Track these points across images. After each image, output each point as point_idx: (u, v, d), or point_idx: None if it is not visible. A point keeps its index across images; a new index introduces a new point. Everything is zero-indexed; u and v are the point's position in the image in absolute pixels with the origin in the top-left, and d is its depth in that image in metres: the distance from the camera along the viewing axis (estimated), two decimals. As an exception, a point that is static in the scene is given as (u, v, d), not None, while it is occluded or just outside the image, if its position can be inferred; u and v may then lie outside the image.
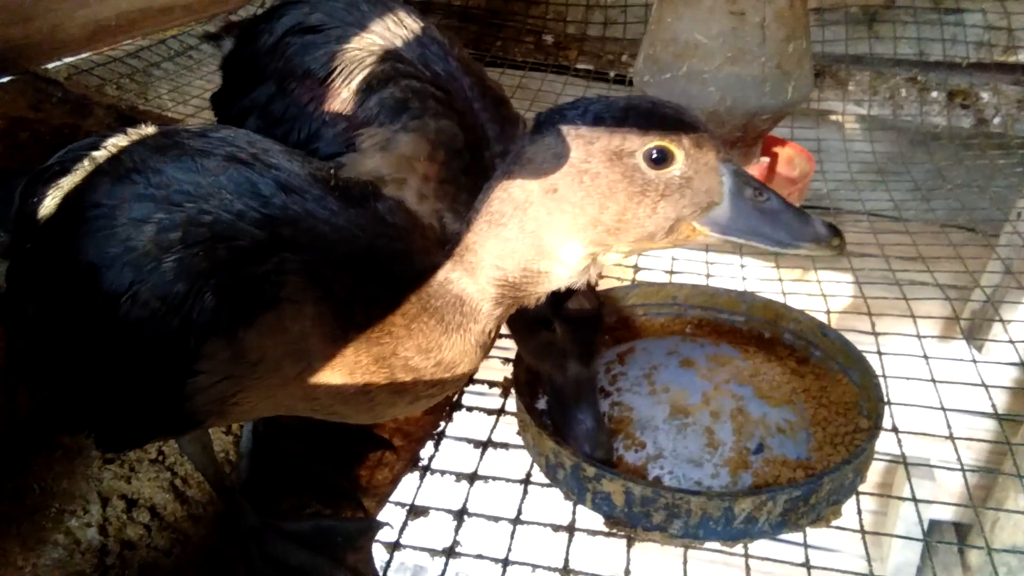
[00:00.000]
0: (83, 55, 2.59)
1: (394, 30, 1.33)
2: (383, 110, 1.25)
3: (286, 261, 0.81)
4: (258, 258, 0.80)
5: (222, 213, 0.82)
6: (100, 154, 0.90)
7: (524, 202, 0.80)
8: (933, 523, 2.36)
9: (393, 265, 0.87)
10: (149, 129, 0.95)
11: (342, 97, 1.26)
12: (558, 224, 0.80)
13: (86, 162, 0.89)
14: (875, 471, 1.29)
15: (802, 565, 1.07)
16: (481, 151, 1.31)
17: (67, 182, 0.89)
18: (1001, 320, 1.70)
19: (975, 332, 1.92)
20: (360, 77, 1.26)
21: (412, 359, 0.85)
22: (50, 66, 2.48)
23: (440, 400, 0.96)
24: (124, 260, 0.80)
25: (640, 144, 0.77)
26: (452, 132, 1.27)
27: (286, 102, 1.30)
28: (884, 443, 1.22)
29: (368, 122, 1.25)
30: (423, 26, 1.37)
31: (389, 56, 1.29)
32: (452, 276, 0.84)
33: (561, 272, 0.83)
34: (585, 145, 0.78)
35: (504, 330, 1.10)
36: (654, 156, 0.77)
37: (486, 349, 0.89)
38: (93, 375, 0.84)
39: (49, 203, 0.88)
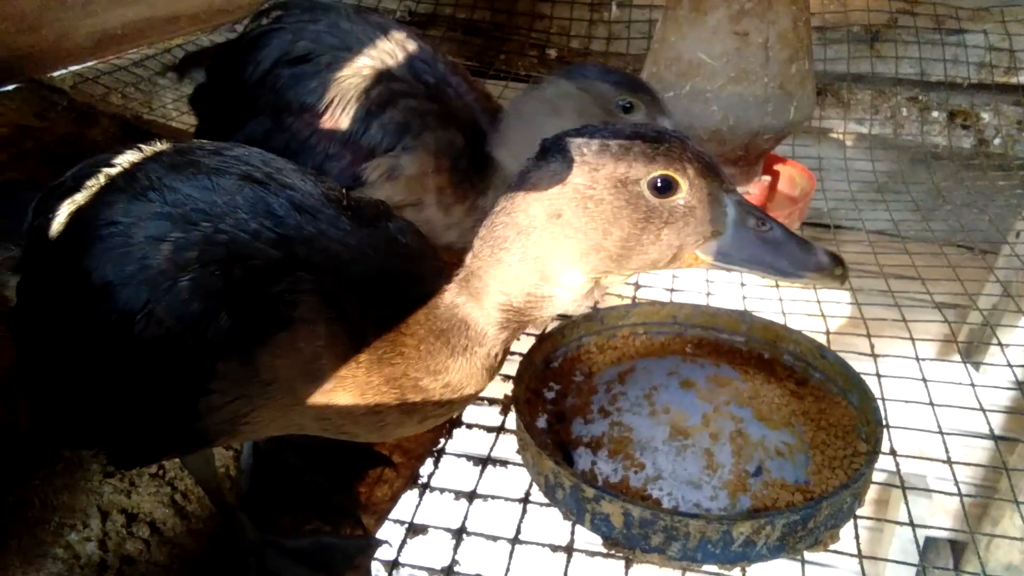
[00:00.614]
0: (89, 64, 2.60)
1: (381, 46, 1.34)
2: (386, 136, 1.26)
3: (300, 280, 0.82)
4: (273, 278, 0.81)
5: (238, 233, 0.83)
6: (114, 171, 0.90)
7: (527, 227, 0.81)
8: (929, 540, 2.37)
9: (404, 286, 0.88)
10: (163, 145, 0.95)
11: (343, 128, 1.27)
12: (561, 249, 0.81)
13: (101, 178, 0.90)
14: (872, 489, 1.30)
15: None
16: (480, 144, 1.35)
17: (81, 198, 0.89)
18: (1000, 344, 1.70)
19: (973, 352, 1.93)
20: (358, 105, 1.27)
21: (422, 380, 0.86)
22: (55, 75, 2.49)
23: (447, 419, 0.97)
24: (140, 278, 0.80)
25: (645, 172, 0.78)
26: (450, 137, 1.30)
27: (285, 137, 1.31)
28: (881, 462, 1.22)
29: (372, 150, 1.26)
30: (405, 35, 1.38)
31: (382, 77, 1.30)
32: (458, 301, 0.85)
33: (565, 296, 0.84)
34: (590, 172, 0.79)
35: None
36: (659, 185, 0.78)
37: (492, 372, 0.90)
38: (105, 392, 0.85)
39: (63, 219, 0.89)
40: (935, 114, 2.65)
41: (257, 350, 0.80)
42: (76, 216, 0.88)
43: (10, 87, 2.28)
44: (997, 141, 2.57)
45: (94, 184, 0.90)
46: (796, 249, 0.81)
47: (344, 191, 0.96)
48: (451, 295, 0.85)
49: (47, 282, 0.88)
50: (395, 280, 0.88)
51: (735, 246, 0.81)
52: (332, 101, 1.27)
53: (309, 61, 1.31)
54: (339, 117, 1.27)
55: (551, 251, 0.81)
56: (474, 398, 0.94)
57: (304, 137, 1.29)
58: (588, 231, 0.79)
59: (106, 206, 0.86)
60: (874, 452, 1.14)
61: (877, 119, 2.68)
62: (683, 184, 0.78)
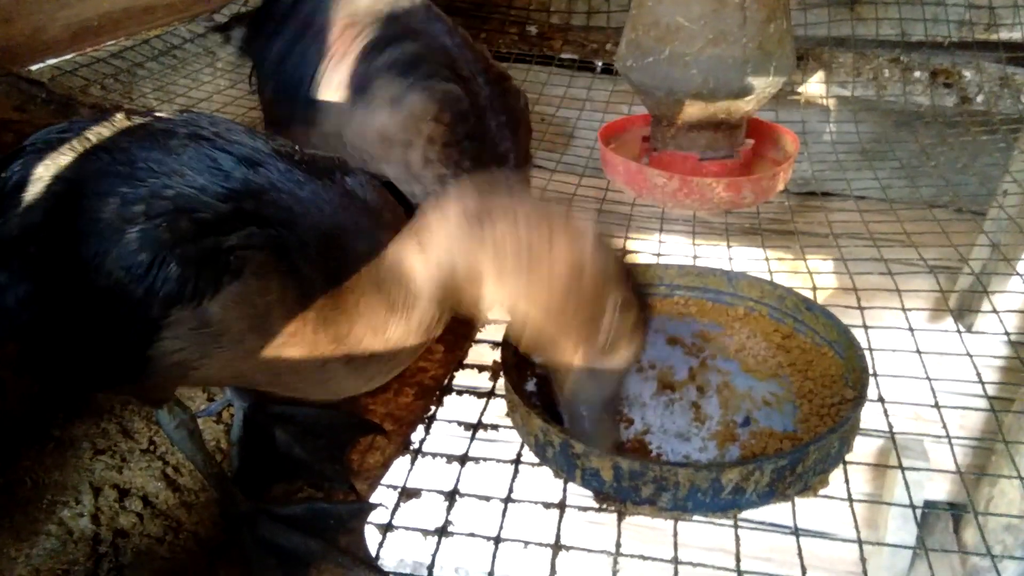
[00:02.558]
0: (67, 56, 2.59)
1: (403, 2, 1.36)
2: (395, 66, 1.28)
3: (253, 235, 0.84)
4: (222, 229, 0.83)
5: (184, 187, 0.85)
6: (71, 136, 0.93)
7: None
8: (928, 503, 2.38)
9: (357, 241, 0.89)
10: (120, 116, 0.98)
11: (355, 51, 1.31)
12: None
13: (58, 143, 0.93)
14: (866, 453, 1.30)
15: (791, 533, 1.08)
16: (485, 120, 1.34)
17: (37, 159, 0.92)
18: (991, 302, 1.71)
19: (964, 311, 1.94)
20: (372, 35, 1.30)
21: (364, 338, 0.88)
22: (34, 68, 2.47)
23: (393, 377, 1.00)
24: (88, 231, 0.83)
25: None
26: (458, 95, 1.30)
27: (300, 53, 1.36)
28: (874, 421, 1.23)
29: (378, 75, 1.28)
30: (428, 4, 1.40)
31: (399, 19, 1.32)
32: (404, 251, 0.86)
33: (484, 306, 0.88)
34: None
35: (493, 316, 1.11)
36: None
37: (430, 331, 0.92)
38: (58, 329, 0.88)
39: (21, 179, 0.91)
40: (917, 74, 2.64)
41: (208, 301, 0.82)
42: (31, 174, 0.91)
43: (-12, 81, 2.26)
44: (980, 99, 2.57)
45: (50, 148, 0.93)
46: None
47: (295, 147, 0.98)
48: (398, 244, 0.87)
49: (5, 237, 0.91)
50: (347, 235, 0.89)
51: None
52: (348, 25, 1.31)
53: None
54: (353, 41, 1.32)
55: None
56: (417, 354, 0.96)
57: (317, 56, 1.33)
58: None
59: (60, 166, 0.90)
60: (860, 398, 1.14)
61: (860, 82, 2.67)
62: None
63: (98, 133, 0.93)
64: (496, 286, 0.85)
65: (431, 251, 0.84)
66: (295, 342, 0.85)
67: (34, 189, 0.89)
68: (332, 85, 1.31)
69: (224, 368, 0.88)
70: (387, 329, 0.88)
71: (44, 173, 0.90)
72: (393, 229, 0.92)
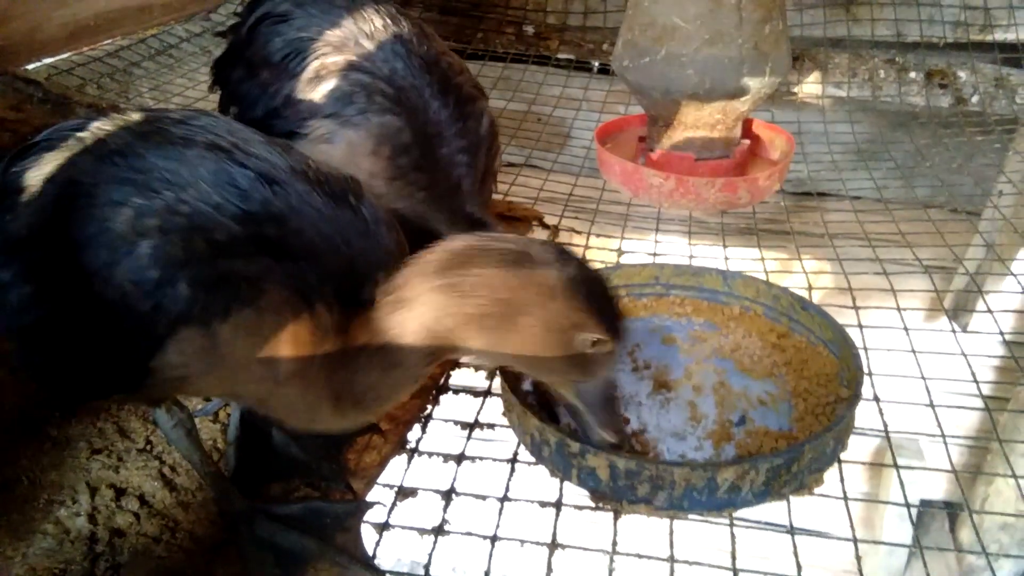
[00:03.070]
0: (63, 55, 2.59)
1: (359, 25, 1.37)
2: (329, 101, 1.28)
3: (271, 270, 0.83)
4: (236, 253, 0.83)
5: (200, 204, 0.84)
6: (85, 135, 0.91)
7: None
8: (924, 502, 2.38)
9: (369, 281, 0.90)
10: (134, 114, 0.96)
11: (294, 84, 1.31)
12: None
13: (71, 141, 0.91)
14: (862, 453, 1.30)
15: (787, 532, 1.09)
16: (434, 149, 1.33)
17: (51, 158, 0.90)
18: (985, 301, 1.71)
19: (959, 311, 1.94)
20: (313, 66, 1.30)
21: (358, 389, 0.90)
22: (30, 67, 2.47)
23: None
24: (99, 240, 0.82)
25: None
26: (396, 127, 1.29)
27: (251, 84, 1.37)
28: (869, 421, 1.23)
29: (316, 112, 1.29)
30: (391, 22, 1.39)
31: (345, 49, 1.32)
32: (392, 309, 0.86)
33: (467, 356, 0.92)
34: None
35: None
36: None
37: (417, 381, 0.95)
38: (59, 334, 0.87)
39: (31, 176, 0.89)
40: (912, 75, 2.65)
41: (219, 324, 0.81)
42: (45, 174, 0.89)
43: (-16, 81, 2.26)
44: (975, 99, 2.58)
45: (64, 146, 0.91)
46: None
47: (310, 163, 0.96)
48: (386, 302, 0.87)
49: (11, 235, 0.89)
50: (363, 275, 0.90)
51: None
52: (289, 56, 1.31)
53: (285, 21, 1.36)
54: (293, 73, 1.32)
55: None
56: (400, 401, 1.03)
57: (265, 86, 1.34)
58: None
59: (72, 166, 0.87)
60: (855, 396, 1.15)
61: (855, 82, 2.68)
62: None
63: (113, 134, 0.91)
64: (475, 343, 0.87)
65: (413, 310, 0.85)
66: (295, 379, 0.86)
67: (45, 189, 0.87)
68: (279, 117, 1.32)
69: (218, 385, 0.88)
70: (381, 383, 0.90)
71: (56, 174, 0.88)
72: (399, 262, 0.93)
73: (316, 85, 1.29)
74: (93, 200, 0.84)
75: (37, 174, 0.89)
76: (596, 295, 0.88)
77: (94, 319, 0.83)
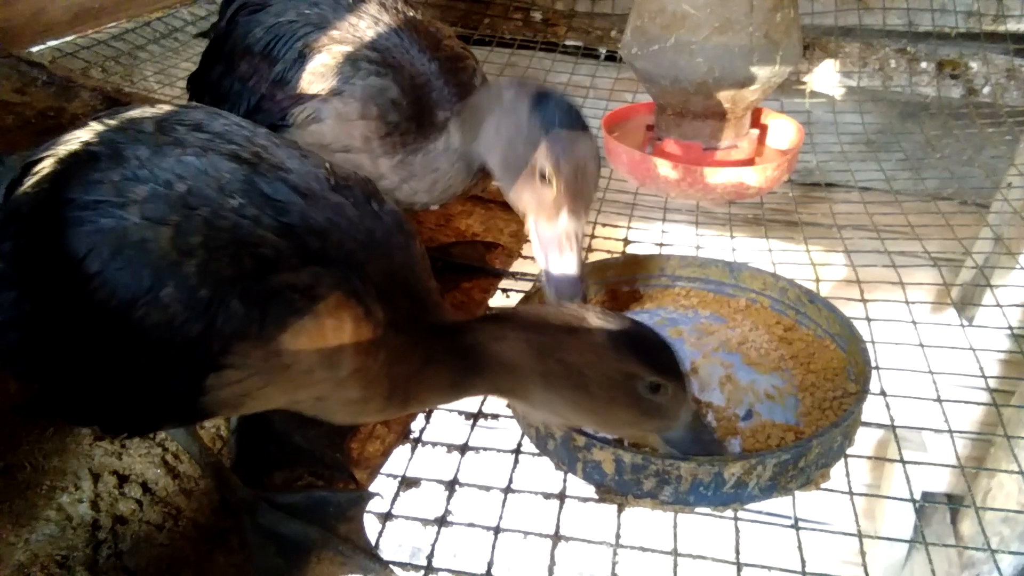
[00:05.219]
0: (67, 38, 2.57)
1: (337, 0, 1.34)
2: (314, 80, 1.27)
3: (321, 276, 0.83)
4: (284, 267, 0.82)
5: (239, 219, 0.82)
6: (97, 148, 0.88)
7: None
8: (926, 495, 2.37)
9: (410, 287, 0.93)
10: (143, 112, 0.93)
11: (276, 70, 1.30)
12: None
13: (83, 156, 0.87)
14: (865, 445, 1.29)
15: (791, 526, 1.08)
16: (425, 96, 1.32)
17: (65, 176, 0.86)
18: (994, 294, 1.70)
19: (966, 306, 1.93)
20: (293, 48, 1.29)
21: (420, 398, 0.94)
22: (34, 49, 2.45)
23: None
24: (140, 262, 0.79)
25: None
26: (381, 86, 1.28)
27: (232, 78, 1.35)
28: (875, 414, 1.23)
29: (301, 93, 1.28)
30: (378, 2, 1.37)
31: (323, 25, 1.31)
32: (485, 344, 0.92)
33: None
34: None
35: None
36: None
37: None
38: (101, 370, 0.83)
39: (45, 198, 0.85)
40: (924, 65, 2.62)
41: (278, 335, 0.80)
42: (60, 195, 0.84)
43: (-12, 63, 2.25)
44: (986, 90, 2.56)
45: (76, 161, 0.87)
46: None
47: (327, 165, 0.95)
48: (476, 338, 0.92)
49: (31, 260, 0.85)
50: (398, 280, 0.92)
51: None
52: (270, 43, 1.30)
53: (262, 9, 1.34)
54: (275, 59, 1.30)
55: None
56: None
57: (246, 78, 1.32)
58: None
59: (93, 185, 0.83)
60: (863, 392, 1.14)
61: (866, 72, 2.66)
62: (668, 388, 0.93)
63: (130, 147, 0.87)
64: (542, 404, 0.95)
65: (491, 373, 0.93)
66: (355, 379, 0.86)
67: (65, 212, 0.82)
68: (263, 111, 1.30)
69: (282, 395, 0.86)
70: (437, 392, 0.95)
71: (77, 193, 0.83)
72: (428, 273, 0.97)
73: (300, 67, 1.28)
74: (125, 221, 0.80)
75: (52, 196, 0.85)
76: (646, 344, 0.92)
77: (135, 347, 0.80)
